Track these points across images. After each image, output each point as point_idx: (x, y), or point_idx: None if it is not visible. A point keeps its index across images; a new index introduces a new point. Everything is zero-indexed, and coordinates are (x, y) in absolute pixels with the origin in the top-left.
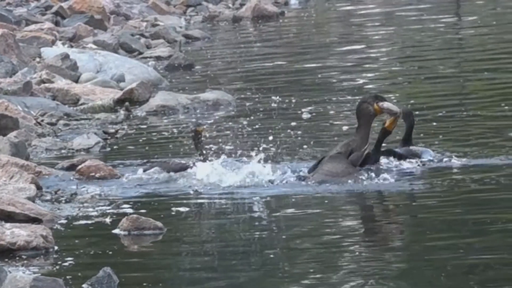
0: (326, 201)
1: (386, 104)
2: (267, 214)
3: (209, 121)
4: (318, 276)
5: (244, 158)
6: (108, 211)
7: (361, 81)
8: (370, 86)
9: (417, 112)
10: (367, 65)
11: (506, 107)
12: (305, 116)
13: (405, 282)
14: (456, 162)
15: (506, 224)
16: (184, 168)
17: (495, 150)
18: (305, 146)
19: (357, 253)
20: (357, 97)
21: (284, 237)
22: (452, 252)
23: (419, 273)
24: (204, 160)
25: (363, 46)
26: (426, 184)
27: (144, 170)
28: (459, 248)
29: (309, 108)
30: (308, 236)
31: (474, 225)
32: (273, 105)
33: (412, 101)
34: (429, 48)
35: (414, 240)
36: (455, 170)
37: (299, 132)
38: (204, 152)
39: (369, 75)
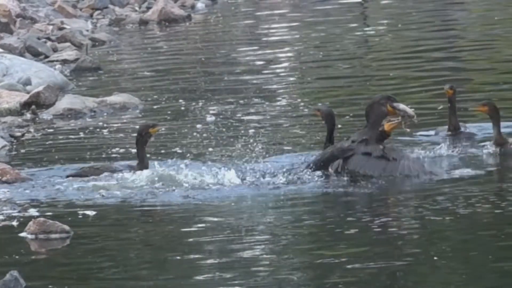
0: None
1: (402, 106)
2: (177, 216)
3: (116, 125)
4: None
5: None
6: (14, 214)
7: (266, 83)
8: (275, 87)
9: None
10: (272, 67)
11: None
12: (209, 119)
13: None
14: None
15: None
16: (112, 171)
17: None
18: (210, 149)
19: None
20: (261, 99)
21: (189, 239)
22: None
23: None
24: (142, 164)
25: (268, 48)
26: None
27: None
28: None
29: (214, 111)
30: (202, 235)
31: None
32: (180, 108)
33: (319, 104)
34: (334, 48)
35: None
36: None
37: (204, 135)
38: (144, 155)
39: (275, 77)
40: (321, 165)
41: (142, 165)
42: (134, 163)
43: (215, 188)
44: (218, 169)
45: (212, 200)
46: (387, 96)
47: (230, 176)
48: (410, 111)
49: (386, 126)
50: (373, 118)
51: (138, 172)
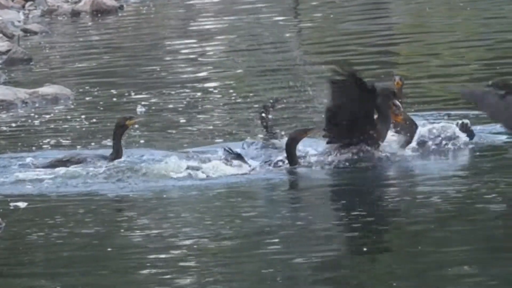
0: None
1: (398, 103)
2: (114, 209)
3: (48, 116)
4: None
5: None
6: None
7: (197, 73)
8: (207, 78)
9: (256, 105)
10: (204, 57)
11: None
12: (139, 110)
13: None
14: None
15: None
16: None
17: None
18: (141, 141)
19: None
20: (193, 90)
21: (129, 232)
22: None
23: None
24: (117, 155)
25: (201, 39)
26: None
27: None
28: None
29: (145, 101)
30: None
31: None
32: (111, 99)
33: (251, 94)
34: (266, 41)
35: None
36: None
37: (136, 125)
38: (119, 147)
39: (206, 67)
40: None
41: (117, 156)
42: (106, 153)
43: (156, 179)
44: (159, 159)
45: (155, 192)
46: (393, 91)
47: (171, 166)
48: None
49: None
50: (385, 110)
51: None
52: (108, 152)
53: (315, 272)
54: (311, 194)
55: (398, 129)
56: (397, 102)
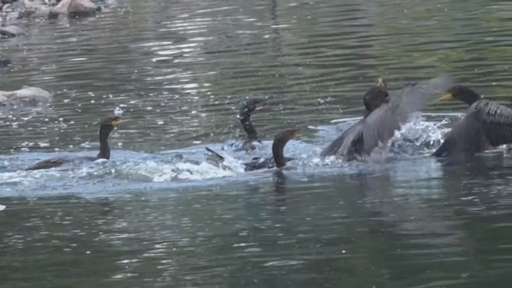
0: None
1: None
2: (95, 210)
3: (25, 118)
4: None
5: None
6: None
7: (175, 75)
8: (184, 79)
9: (233, 107)
10: (182, 59)
11: (321, 100)
12: (117, 111)
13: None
14: None
15: None
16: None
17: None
18: (119, 144)
19: None
20: (170, 91)
21: (106, 235)
22: None
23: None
24: (104, 156)
25: (178, 41)
26: None
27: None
28: None
29: (123, 103)
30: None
31: None
32: (90, 101)
33: (228, 96)
34: (243, 42)
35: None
36: None
37: (114, 128)
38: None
39: (184, 68)
40: None
41: (104, 157)
42: (93, 154)
43: (135, 181)
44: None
45: (134, 194)
46: (384, 92)
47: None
48: None
49: None
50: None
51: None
52: (95, 153)
53: (293, 275)
54: (292, 197)
55: None
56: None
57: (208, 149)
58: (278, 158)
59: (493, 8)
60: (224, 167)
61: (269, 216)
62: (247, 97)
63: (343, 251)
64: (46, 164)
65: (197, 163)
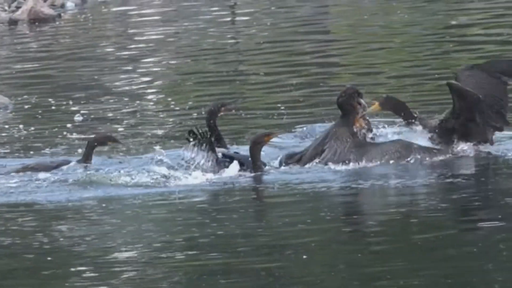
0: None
1: (363, 101)
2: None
3: None
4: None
5: None
6: None
7: (135, 82)
8: (144, 86)
9: (195, 115)
10: (142, 65)
11: (281, 106)
12: (77, 118)
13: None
14: None
15: None
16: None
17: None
18: (79, 150)
19: None
20: (131, 98)
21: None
22: None
23: None
24: (86, 161)
25: (138, 46)
26: None
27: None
28: None
29: (84, 110)
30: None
31: None
32: (50, 107)
33: (190, 102)
34: (203, 43)
35: None
36: None
37: (74, 134)
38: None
39: (144, 75)
40: None
41: (85, 162)
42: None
43: (101, 187)
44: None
45: (99, 200)
46: (357, 91)
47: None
48: (365, 105)
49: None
50: (349, 111)
51: None
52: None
53: (255, 281)
54: (259, 203)
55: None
56: (363, 101)
57: (190, 132)
58: (255, 161)
59: (451, 13)
60: (187, 174)
61: (232, 222)
62: (219, 102)
63: (304, 257)
64: (24, 170)
65: (153, 169)
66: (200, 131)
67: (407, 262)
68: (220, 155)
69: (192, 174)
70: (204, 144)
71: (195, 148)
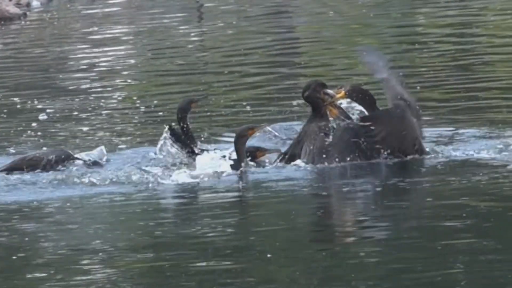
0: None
1: (330, 91)
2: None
3: None
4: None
5: None
6: None
7: (100, 81)
8: (109, 85)
9: (160, 113)
10: (106, 65)
11: (248, 106)
12: (42, 117)
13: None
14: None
15: None
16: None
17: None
18: (44, 148)
19: None
20: (95, 97)
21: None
22: None
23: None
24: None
25: (102, 45)
26: None
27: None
28: None
29: (49, 108)
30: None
31: None
32: (15, 106)
33: (155, 101)
34: (168, 44)
35: None
36: None
37: (39, 133)
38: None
39: (108, 74)
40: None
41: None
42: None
43: (69, 187)
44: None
45: (66, 200)
46: (321, 82)
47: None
48: (334, 94)
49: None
50: (318, 104)
51: None
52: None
53: (221, 281)
54: (229, 204)
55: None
56: (328, 91)
57: (170, 128)
58: (240, 155)
59: (419, 11)
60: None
61: (201, 222)
62: (189, 99)
63: (269, 258)
64: (20, 163)
65: (124, 168)
66: (180, 126)
67: (375, 263)
68: (196, 150)
69: (165, 172)
70: (178, 140)
71: (171, 144)
